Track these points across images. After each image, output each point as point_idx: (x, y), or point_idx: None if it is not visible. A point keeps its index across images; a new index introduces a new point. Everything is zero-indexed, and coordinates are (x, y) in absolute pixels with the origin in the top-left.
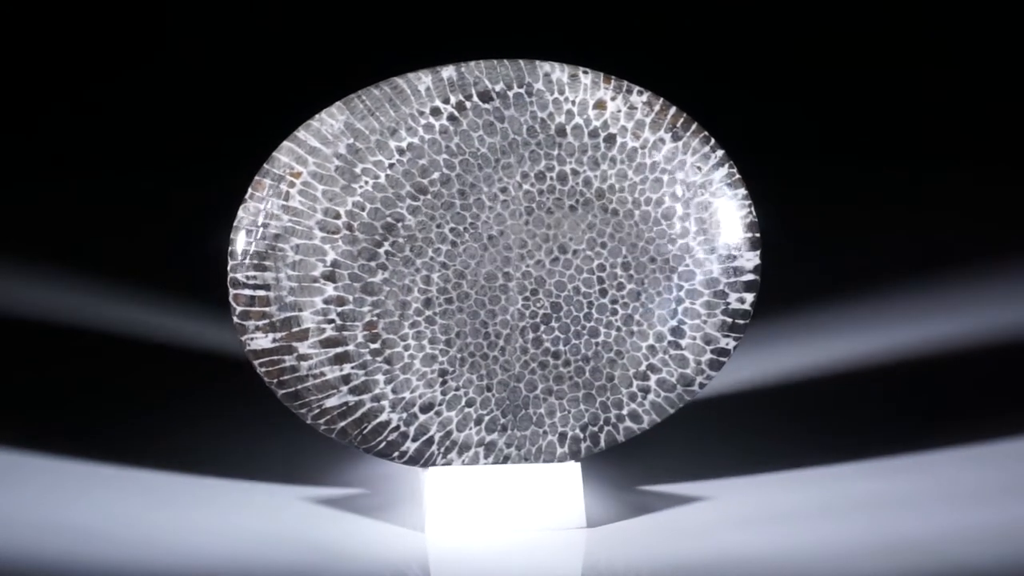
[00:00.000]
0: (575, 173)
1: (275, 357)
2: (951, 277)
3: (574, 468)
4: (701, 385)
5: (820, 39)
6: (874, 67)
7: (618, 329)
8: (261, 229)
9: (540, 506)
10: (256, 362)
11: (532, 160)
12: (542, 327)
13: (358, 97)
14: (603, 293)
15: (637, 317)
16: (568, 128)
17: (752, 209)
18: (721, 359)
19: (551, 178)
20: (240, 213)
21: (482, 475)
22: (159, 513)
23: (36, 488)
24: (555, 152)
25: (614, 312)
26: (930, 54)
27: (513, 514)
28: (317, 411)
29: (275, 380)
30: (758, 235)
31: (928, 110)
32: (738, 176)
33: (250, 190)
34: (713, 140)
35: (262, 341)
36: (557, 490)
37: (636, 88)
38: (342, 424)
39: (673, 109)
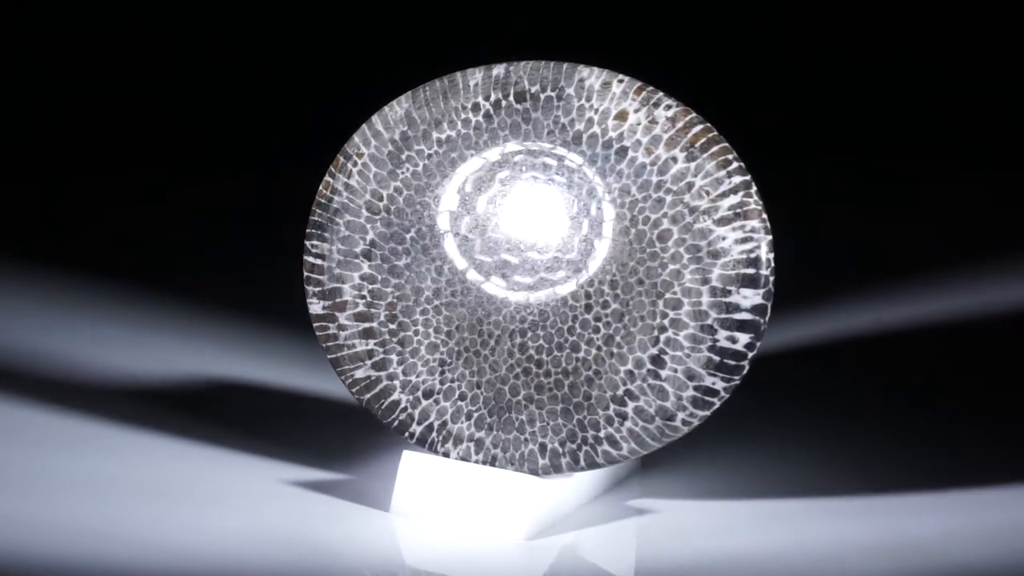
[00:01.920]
0: None
1: (324, 323)
2: (940, 276)
3: (528, 480)
4: (685, 423)
5: (813, 41)
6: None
7: (598, 348)
8: (327, 203)
9: (488, 510)
10: (314, 326)
11: (543, 166)
12: (528, 333)
13: (423, 88)
14: (588, 309)
15: (618, 339)
16: (584, 136)
17: (762, 245)
18: (708, 399)
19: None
20: (320, 187)
21: (451, 468)
22: (153, 508)
23: (35, 488)
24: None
25: (596, 330)
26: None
27: (462, 511)
28: (350, 380)
29: (323, 345)
30: (764, 273)
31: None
32: (753, 207)
33: (330, 167)
34: (734, 166)
35: (316, 307)
36: (509, 498)
37: (668, 102)
38: (367, 396)
39: (697, 128)
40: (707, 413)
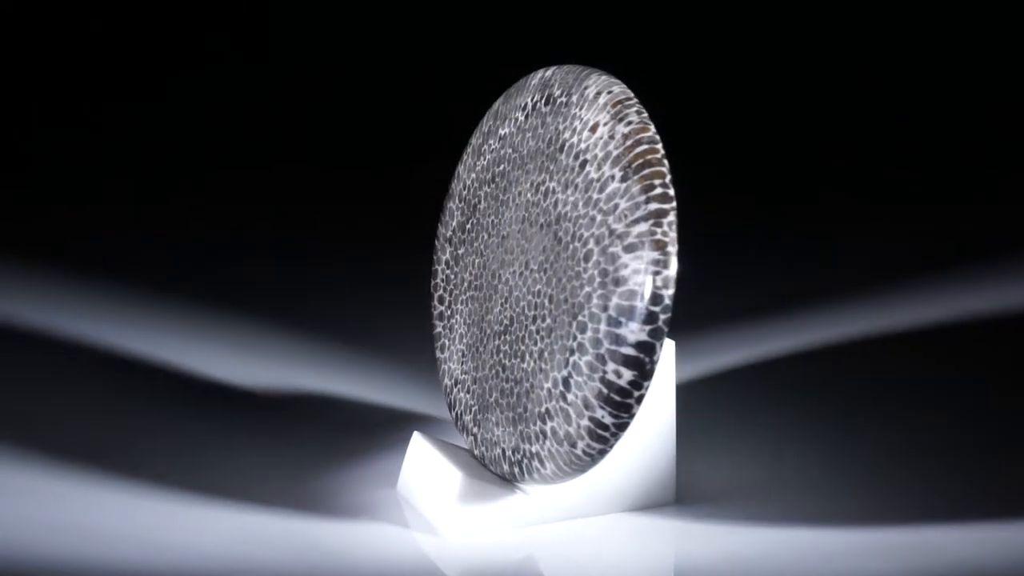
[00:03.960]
0: (553, 192)
1: (432, 303)
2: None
3: (472, 482)
4: (586, 453)
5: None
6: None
7: (535, 361)
8: (449, 188)
9: (437, 503)
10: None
11: (539, 171)
12: (502, 336)
13: (514, 85)
14: (533, 320)
15: (546, 354)
16: (565, 146)
17: (660, 279)
18: (600, 432)
19: (542, 192)
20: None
21: (436, 457)
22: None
23: (37, 488)
24: (551, 167)
25: (535, 342)
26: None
27: (429, 500)
28: (438, 359)
29: (432, 322)
30: (655, 310)
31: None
32: (661, 238)
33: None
34: (657, 192)
35: (431, 286)
36: (450, 496)
37: (632, 118)
38: (439, 375)
39: (641, 147)
40: (605, 447)
